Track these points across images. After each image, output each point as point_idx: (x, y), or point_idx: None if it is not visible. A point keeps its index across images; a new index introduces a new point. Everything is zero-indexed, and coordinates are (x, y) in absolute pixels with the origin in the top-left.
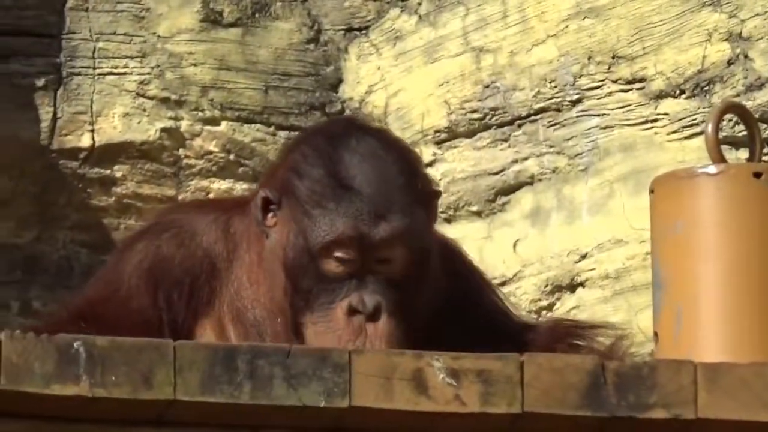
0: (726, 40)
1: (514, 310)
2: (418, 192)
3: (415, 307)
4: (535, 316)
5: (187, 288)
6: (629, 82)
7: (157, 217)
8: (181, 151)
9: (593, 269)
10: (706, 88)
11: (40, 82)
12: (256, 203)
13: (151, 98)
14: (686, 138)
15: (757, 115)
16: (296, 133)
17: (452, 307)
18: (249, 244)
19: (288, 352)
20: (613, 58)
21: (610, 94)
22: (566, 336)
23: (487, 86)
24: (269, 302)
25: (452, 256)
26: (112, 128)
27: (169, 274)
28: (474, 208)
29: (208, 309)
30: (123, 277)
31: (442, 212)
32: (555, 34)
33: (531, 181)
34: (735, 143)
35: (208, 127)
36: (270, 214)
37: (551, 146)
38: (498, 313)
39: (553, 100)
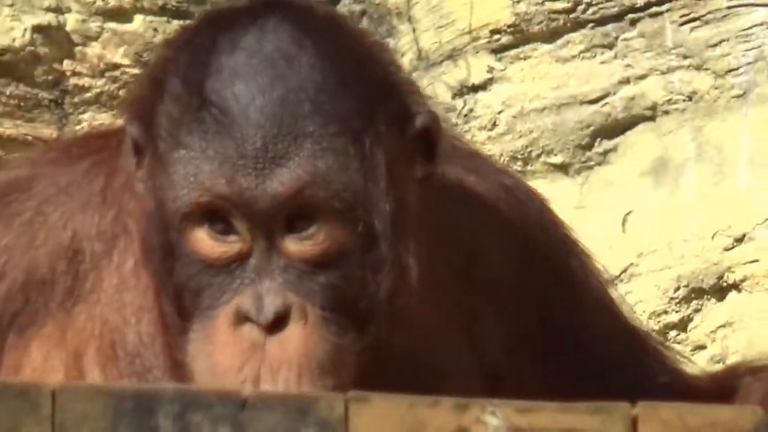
0: None
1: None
2: (362, 110)
3: (375, 306)
4: (660, 339)
5: (26, 296)
6: None
7: (10, 180)
8: (67, 65)
9: (756, 261)
10: None
11: None
12: (127, 146)
13: None
14: None
15: None
16: None
17: (518, 304)
18: (135, 215)
19: (243, 402)
20: None
21: None
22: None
23: None
24: (154, 312)
25: (526, 212)
26: None
27: (4, 277)
28: (557, 159)
29: (57, 326)
30: None
31: (505, 166)
32: None
33: (652, 115)
34: None
35: (111, 25)
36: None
37: (685, 57)
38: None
39: None
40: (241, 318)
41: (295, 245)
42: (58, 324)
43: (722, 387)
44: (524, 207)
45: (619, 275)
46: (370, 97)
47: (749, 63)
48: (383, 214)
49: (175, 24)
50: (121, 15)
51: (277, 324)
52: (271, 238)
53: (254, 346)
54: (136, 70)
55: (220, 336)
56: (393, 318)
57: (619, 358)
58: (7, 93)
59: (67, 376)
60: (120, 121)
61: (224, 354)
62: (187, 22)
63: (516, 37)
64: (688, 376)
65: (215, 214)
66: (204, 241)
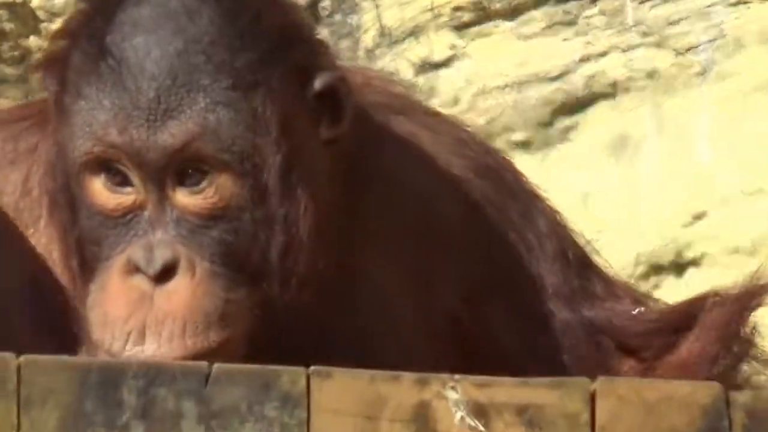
0: None
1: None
2: (260, 66)
3: (274, 260)
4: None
5: None
6: None
7: None
8: (33, 41)
9: (715, 237)
10: None
11: None
12: (50, 101)
13: None
14: None
15: None
16: None
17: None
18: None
19: (207, 376)
20: None
21: None
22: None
23: None
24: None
25: (480, 164)
26: None
27: None
28: (518, 137)
29: None
30: None
31: None
32: None
33: (612, 92)
34: None
35: (74, 2)
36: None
37: (645, 34)
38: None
39: None
40: (132, 269)
41: (186, 198)
42: None
43: (686, 316)
44: (479, 159)
45: None
46: (267, 53)
47: (709, 41)
48: (274, 169)
49: None
50: None
51: (165, 275)
52: (164, 190)
53: (143, 297)
54: None
55: (111, 286)
56: (286, 275)
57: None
58: None
59: None
60: None
61: (114, 304)
62: None
63: (478, 15)
64: (653, 310)
65: (111, 166)
66: (101, 192)
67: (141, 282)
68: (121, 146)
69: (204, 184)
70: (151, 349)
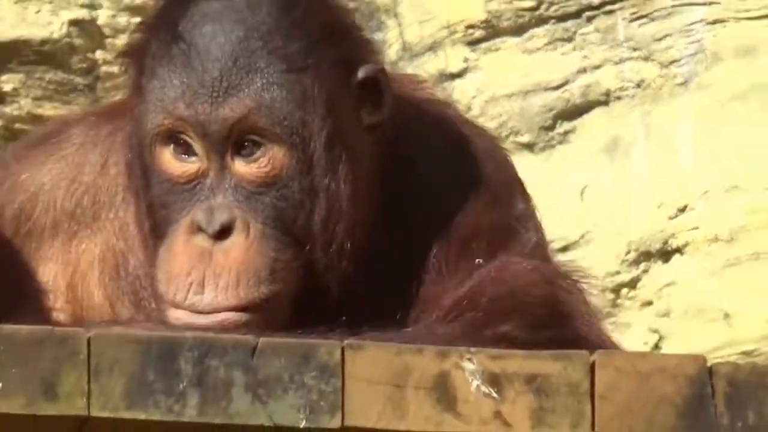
0: None
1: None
2: (311, 54)
3: (318, 226)
4: (611, 296)
5: (55, 228)
6: None
7: (45, 130)
8: (99, 55)
9: (696, 228)
10: None
11: None
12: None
13: None
14: None
15: None
16: None
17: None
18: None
19: (254, 348)
20: None
21: None
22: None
23: None
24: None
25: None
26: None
27: (41, 211)
28: (523, 139)
29: (72, 250)
30: None
31: None
32: None
33: (606, 100)
34: None
35: (138, 20)
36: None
37: (635, 49)
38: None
39: None
40: (195, 229)
41: (243, 167)
42: (68, 246)
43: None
44: (482, 156)
45: (578, 240)
46: (316, 42)
47: (690, 55)
48: (319, 144)
49: None
50: (145, 10)
51: (223, 234)
52: (224, 159)
53: (203, 253)
54: None
55: (176, 245)
56: (327, 241)
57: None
58: (47, 79)
59: (69, 292)
60: None
61: (178, 260)
62: None
63: (488, 32)
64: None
65: (178, 137)
66: (169, 161)
67: (202, 240)
68: (187, 119)
69: (258, 154)
70: (208, 298)
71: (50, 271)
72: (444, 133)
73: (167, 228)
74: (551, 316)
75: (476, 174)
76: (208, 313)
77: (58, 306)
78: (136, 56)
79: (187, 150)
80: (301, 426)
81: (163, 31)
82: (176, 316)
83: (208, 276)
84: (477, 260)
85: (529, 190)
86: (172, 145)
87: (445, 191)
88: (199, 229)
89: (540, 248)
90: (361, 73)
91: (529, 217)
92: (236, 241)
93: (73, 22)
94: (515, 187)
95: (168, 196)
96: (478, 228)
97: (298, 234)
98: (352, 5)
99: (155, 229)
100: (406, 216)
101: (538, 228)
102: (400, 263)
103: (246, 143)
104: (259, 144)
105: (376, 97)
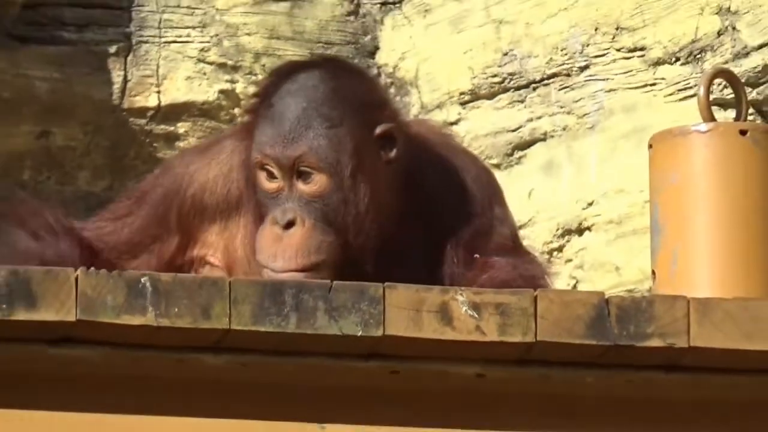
0: (716, 13)
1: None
2: (346, 118)
3: (349, 222)
4: (547, 257)
5: (204, 214)
6: (631, 51)
7: (208, 141)
8: (237, 111)
9: (598, 215)
10: (699, 55)
11: (113, 49)
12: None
13: (210, 63)
14: (681, 100)
15: (743, 80)
16: None
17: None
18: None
19: (329, 288)
20: (616, 29)
21: (614, 61)
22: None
23: (506, 54)
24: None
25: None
26: (176, 90)
27: (193, 198)
28: (494, 161)
29: (225, 231)
30: (145, 188)
31: None
32: (566, 8)
33: (544, 138)
34: (723, 105)
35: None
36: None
37: (562, 107)
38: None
39: (563, 66)
40: (274, 222)
41: (302, 186)
42: (225, 221)
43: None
44: (472, 177)
45: (527, 222)
46: (350, 108)
47: (595, 110)
48: (347, 174)
49: None
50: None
51: (289, 226)
52: (291, 182)
53: (278, 237)
54: None
55: (264, 232)
56: (357, 232)
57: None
58: (205, 125)
59: (224, 251)
60: None
61: (265, 241)
62: None
63: (472, 96)
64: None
65: (266, 167)
66: (263, 181)
67: (278, 229)
68: (271, 156)
69: (311, 179)
70: (280, 264)
71: (212, 237)
72: (447, 157)
73: (262, 222)
74: (522, 278)
75: (470, 186)
76: (281, 272)
77: (218, 258)
78: (250, 112)
79: (271, 175)
80: (359, 334)
81: (264, 99)
82: (265, 273)
83: (281, 252)
84: (475, 255)
85: None
86: (264, 172)
87: (448, 199)
88: (276, 223)
89: (515, 238)
90: (378, 129)
91: (506, 217)
92: (297, 230)
93: (221, 91)
94: (497, 195)
95: (266, 200)
96: (475, 228)
97: (337, 226)
98: (387, 81)
99: (256, 220)
100: (421, 216)
101: (512, 225)
102: (418, 251)
103: (303, 172)
104: (310, 173)
105: (391, 143)
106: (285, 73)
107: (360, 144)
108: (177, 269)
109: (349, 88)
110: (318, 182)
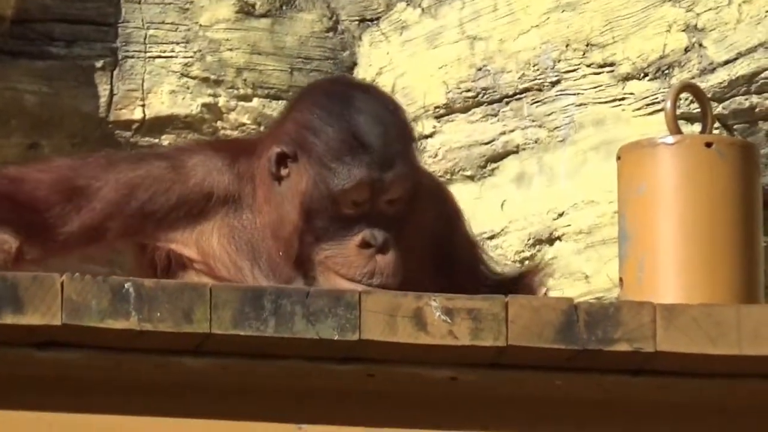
0: (683, 30)
1: (484, 253)
2: (410, 138)
3: (408, 243)
4: (518, 265)
5: (165, 209)
6: (601, 66)
7: (210, 140)
8: (219, 124)
9: (569, 225)
10: (666, 71)
11: (99, 64)
12: (270, 157)
13: (193, 78)
14: (649, 114)
15: (709, 95)
16: None
17: (437, 245)
18: (255, 185)
19: (307, 293)
20: (587, 45)
21: (584, 76)
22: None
23: (480, 69)
24: (273, 234)
25: (443, 198)
26: (160, 103)
27: (150, 192)
28: (468, 173)
29: (188, 229)
30: (105, 176)
31: (440, 176)
32: (538, 25)
33: (516, 150)
34: (690, 118)
35: (242, 103)
36: (284, 166)
37: (534, 120)
38: (473, 256)
39: (535, 81)
40: (364, 243)
41: (388, 209)
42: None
43: (527, 282)
44: (439, 194)
45: (499, 232)
46: (409, 128)
47: (566, 124)
48: (421, 192)
49: (274, 104)
50: (245, 98)
51: (383, 247)
52: (378, 205)
53: (371, 257)
54: (255, 126)
55: (352, 251)
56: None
57: (472, 270)
58: (189, 138)
59: (201, 251)
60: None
61: (355, 259)
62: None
63: (446, 110)
64: (505, 276)
65: (357, 192)
66: (349, 206)
67: (370, 251)
68: (368, 184)
69: (396, 203)
70: (377, 281)
71: (182, 234)
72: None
73: (327, 241)
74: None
75: (437, 203)
76: (379, 287)
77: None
78: (302, 149)
79: (361, 200)
80: (335, 338)
81: (338, 131)
82: (349, 286)
83: (378, 270)
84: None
85: (471, 204)
86: (352, 197)
87: (422, 214)
88: (368, 244)
89: (474, 240)
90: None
91: (466, 226)
92: (391, 252)
93: (204, 105)
94: (458, 211)
95: (337, 224)
96: (447, 236)
97: (404, 247)
98: None
99: (309, 243)
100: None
101: (469, 230)
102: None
103: (393, 198)
104: (399, 194)
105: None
106: (340, 94)
107: (417, 167)
108: (143, 250)
109: (394, 105)
110: (402, 203)
